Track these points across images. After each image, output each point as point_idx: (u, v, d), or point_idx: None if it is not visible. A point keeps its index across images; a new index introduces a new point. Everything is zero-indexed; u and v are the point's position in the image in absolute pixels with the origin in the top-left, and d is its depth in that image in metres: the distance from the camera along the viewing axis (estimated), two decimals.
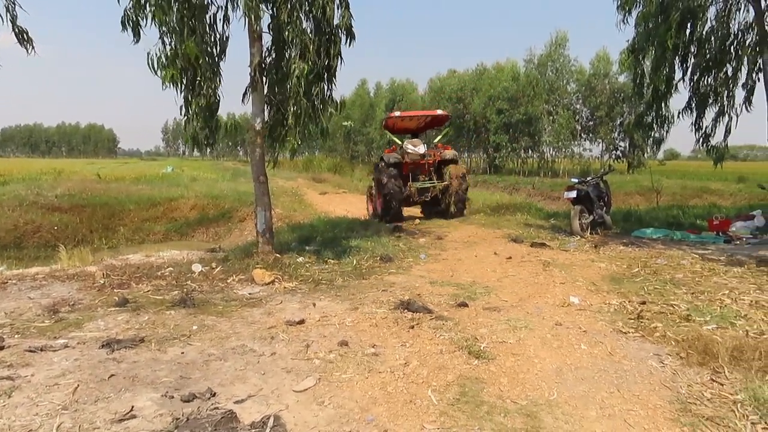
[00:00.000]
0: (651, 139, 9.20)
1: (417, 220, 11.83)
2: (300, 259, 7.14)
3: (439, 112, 13.05)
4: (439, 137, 14.16)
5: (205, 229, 16.37)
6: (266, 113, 7.12)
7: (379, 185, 12.20)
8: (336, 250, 7.75)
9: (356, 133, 55.80)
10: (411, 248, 8.36)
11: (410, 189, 12.23)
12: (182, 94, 6.44)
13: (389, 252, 7.80)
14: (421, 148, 12.56)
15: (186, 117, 6.58)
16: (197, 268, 6.59)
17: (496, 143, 40.82)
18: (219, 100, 6.66)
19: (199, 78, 6.32)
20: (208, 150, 7.42)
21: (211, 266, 6.72)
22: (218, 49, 6.59)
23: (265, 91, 7.04)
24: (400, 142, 12.70)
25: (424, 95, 54.16)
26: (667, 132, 9.05)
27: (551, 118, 38.42)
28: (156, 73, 6.11)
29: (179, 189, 20.08)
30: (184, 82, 6.30)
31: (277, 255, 7.05)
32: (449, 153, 12.80)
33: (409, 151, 12.40)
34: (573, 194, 9.54)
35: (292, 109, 6.35)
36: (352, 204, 18.28)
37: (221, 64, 6.66)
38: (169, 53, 6.07)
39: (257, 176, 7.10)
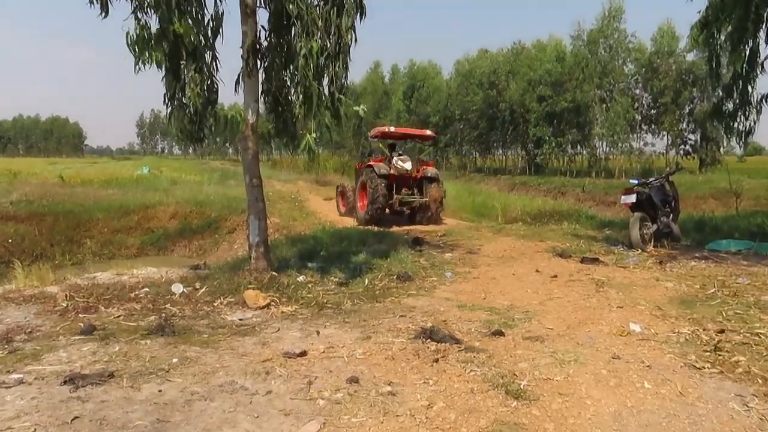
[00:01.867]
0: (732, 130, 9.05)
1: (441, 233, 11.99)
2: (301, 278, 7.17)
3: (428, 132, 16.89)
4: (425, 152, 18.96)
5: (188, 242, 16.58)
6: (262, 104, 7.21)
7: (364, 189, 15.46)
8: (344, 268, 7.77)
9: (368, 125, 56.08)
10: (435, 265, 8.39)
11: (395, 200, 15.26)
12: (169, 81, 6.57)
13: (408, 269, 7.83)
14: (409, 164, 15.55)
15: (172, 107, 6.69)
16: (178, 288, 6.64)
17: (537, 137, 40.84)
18: (217, 88, 6.85)
19: (192, 62, 6.45)
20: (192, 148, 7.60)
21: (194, 286, 6.77)
22: (213, 26, 6.71)
23: (261, 78, 7.12)
24: (389, 155, 15.72)
25: (449, 80, 54.50)
26: (755, 122, 8.91)
27: (604, 106, 38.22)
28: (136, 56, 6.22)
29: (157, 194, 20.35)
30: (172, 66, 6.45)
31: (274, 273, 7.08)
32: (432, 171, 15.89)
33: (398, 165, 15.36)
34: (632, 199, 9.46)
35: (299, 97, 6.43)
36: None
37: (217, 45, 6.83)
38: (154, 32, 6.18)
39: (250, 178, 7.17)
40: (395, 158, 15.63)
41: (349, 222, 15.16)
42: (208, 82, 6.80)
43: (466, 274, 7.85)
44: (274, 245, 10.47)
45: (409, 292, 6.77)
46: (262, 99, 7.34)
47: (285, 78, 7.20)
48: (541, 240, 10.63)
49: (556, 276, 7.47)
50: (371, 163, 15.91)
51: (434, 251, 9.59)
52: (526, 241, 10.61)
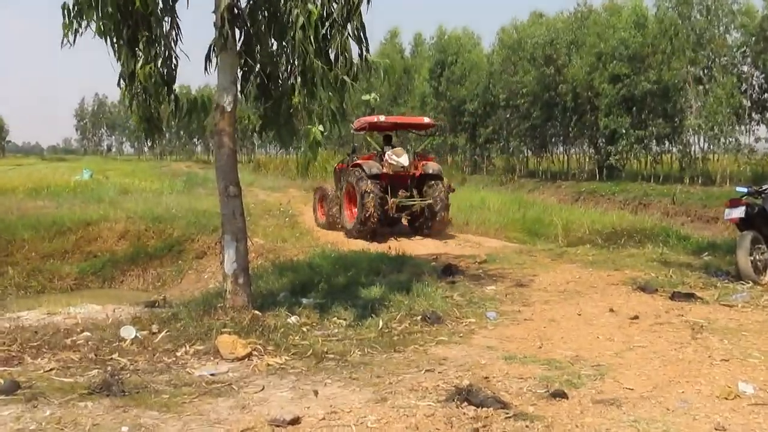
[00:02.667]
0: None
1: (480, 259, 12.04)
2: (293, 318, 7.18)
3: (426, 120, 17.84)
4: (423, 145, 19.94)
5: (142, 271, 16.79)
6: (240, 86, 7.29)
7: (351, 194, 16.39)
8: (351, 305, 7.80)
9: (382, 113, 56.28)
10: (473, 302, 8.40)
11: (390, 204, 16.04)
12: (126, 55, 6.66)
13: (437, 308, 7.84)
14: (405, 159, 16.35)
15: (131, 90, 6.82)
16: (129, 333, 6.68)
17: (611, 130, 40.62)
18: (177, 65, 6.96)
19: (144, 30, 6.53)
20: (148, 144, 7.76)
21: (150, 330, 6.81)
22: None
23: (241, 52, 7.19)
24: (379, 148, 16.36)
25: (491, 54, 54.62)
26: None
27: (701, 88, 38.00)
28: (69, 22, 6.31)
29: (101, 207, 20.58)
30: (127, 35, 6.58)
31: (257, 312, 7.09)
32: (433, 166, 16.62)
33: (392, 161, 16.09)
34: (740, 213, 9.39)
35: (297, 79, 6.50)
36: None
37: (180, 8, 6.93)
38: None
39: (225, 186, 7.23)
40: (388, 153, 16.44)
41: (358, 244, 15.22)
42: (165, 56, 6.87)
43: (515, 314, 7.85)
44: (257, 275, 10.46)
45: (438, 339, 6.78)
46: (242, 80, 7.41)
47: (275, 53, 7.25)
48: (617, 268, 10.60)
49: (637, 317, 7.43)
50: (359, 161, 16.69)
51: (472, 283, 9.60)
52: (596, 269, 10.60)
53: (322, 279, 9.54)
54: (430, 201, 16.25)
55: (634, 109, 40.25)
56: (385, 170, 16.12)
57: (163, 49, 6.87)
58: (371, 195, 15.54)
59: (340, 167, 18.74)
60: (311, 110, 6.77)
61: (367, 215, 15.61)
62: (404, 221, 17.53)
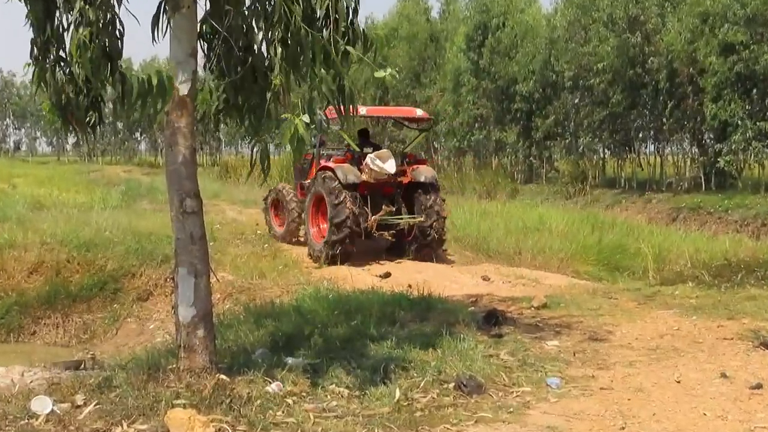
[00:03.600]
0: None
1: (538, 302, 12.00)
2: (274, 386, 7.16)
3: (418, 112, 19.02)
4: (411, 144, 21.16)
5: (63, 318, 16.78)
6: (205, 58, 7.32)
7: (320, 206, 17.60)
8: (355, 367, 7.80)
9: (400, 98, 56.54)
10: (527, 363, 8.40)
11: (370, 222, 17.20)
12: (38, 19, 6.69)
13: (477, 371, 7.81)
14: (391, 165, 17.18)
15: (43, 67, 6.82)
16: (43, 405, 6.66)
17: (721, 121, 40.31)
18: (123, 32, 7.01)
19: None
20: (72, 138, 7.78)
21: (73, 402, 6.80)
22: None
23: (202, 14, 7.23)
24: (358, 149, 17.51)
25: (552, 14, 54.68)
26: None
27: None
28: None
29: (5, 228, 20.54)
30: None
31: (223, 377, 7.07)
32: (426, 173, 17.34)
33: (375, 167, 16.83)
34: None
35: (278, 50, 6.51)
36: (393, 262, 18.64)
37: None
38: None
39: (180, 198, 7.21)
40: (370, 156, 17.35)
41: (365, 280, 15.25)
42: (106, 20, 6.88)
43: (588, 381, 7.82)
44: (224, 324, 10.45)
45: (478, 415, 6.76)
46: (206, 52, 7.43)
47: (248, 13, 7.26)
48: (731, 317, 10.50)
49: (760, 386, 7.37)
50: (330, 165, 17.66)
51: (526, 337, 9.58)
52: (702, 318, 10.52)
53: (316, 330, 9.54)
54: (422, 218, 17.09)
55: (754, 91, 40.03)
56: (365, 177, 16.86)
57: (102, 10, 6.81)
58: (347, 211, 16.30)
59: (303, 163, 19.50)
60: (294, 92, 6.77)
61: (340, 236, 16.64)
62: (387, 236, 18.31)
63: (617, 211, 37.70)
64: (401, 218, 17.10)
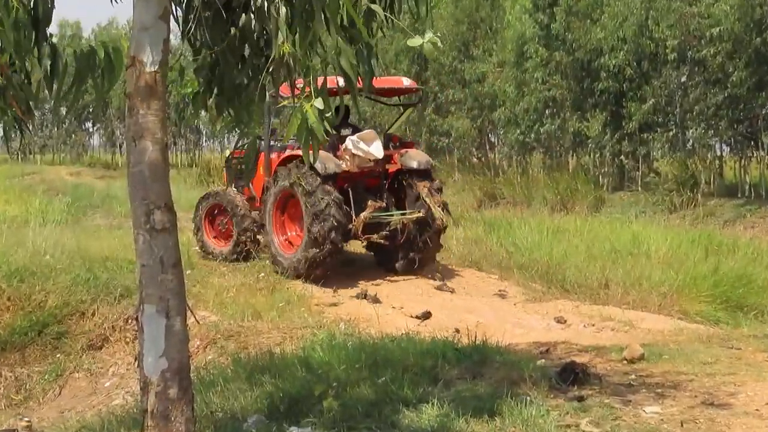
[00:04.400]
0: None
1: (633, 353, 11.95)
2: None
3: (406, 81, 19.83)
4: (397, 122, 21.80)
5: None
6: (181, 25, 7.34)
7: (286, 207, 18.73)
8: None
9: (443, 72, 56.39)
10: None
11: (357, 222, 18.09)
12: None
13: None
14: (377, 148, 18.31)
15: None
16: None
17: None
18: None
19: None
20: None
21: None
22: None
23: None
24: (333, 132, 17.10)
25: None
26: None
27: None
28: None
29: None
30: None
31: None
32: (418, 157, 18.33)
33: (359, 152, 17.73)
34: None
35: (280, 7, 6.54)
36: (434, 297, 18.74)
37: None
38: None
39: (146, 210, 7.21)
40: (351, 139, 18.47)
41: (395, 321, 15.25)
42: None
43: None
44: (205, 382, 10.47)
45: None
46: (184, 15, 7.47)
47: None
48: None
49: None
50: (294, 153, 18.56)
51: (615, 400, 9.53)
52: None
53: (330, 390, 9.44)
54: (420, 213, 17.84)
55: None
56: (346, 167, 17.59)
57: None
58: (330, 208, 17.01)
59: (237, 161, 20.41)
60: (306, 67, 6.76)
61: (322, 241, 17.43)
62: (377, 239, 19.26)
63: (740, 229, 37.13)
64: (392, 215, 17.94)
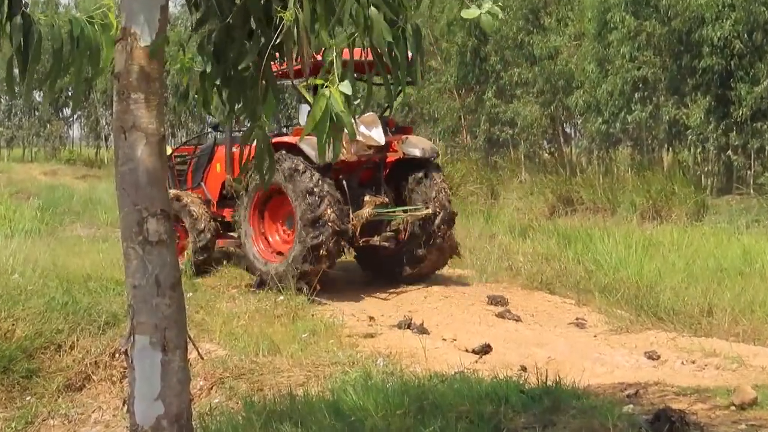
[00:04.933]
0: None
1: (744, 397, 11.89)
2: None
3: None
4: (394, 104, 21.18)
5: None
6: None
7: (260, 207, 19.27)
8: None
9: (506, 47, 56.32)
10: None
11: (354, 221, 18.83)
12: None
13: None
14: (379, 134, 19.01)
15: None
16: None
17: None
18: None
19: None
20: None
21: None
22: None
23: None
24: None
25: None
26: None
27: None
28: None
29: None
30: None
31: None
32: (421, 144, 19.07)
33: (360, 138, 18.68)
34: None
35: None
36: (495, 327, 18.72)
37: None
38: None
39: (138, 219, 7.22)
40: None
41: (446, 356, 15.37)
42: None
43: None
44: (209, 431, 10.48)
45: None
46: None
47: None
48: None
49: None
50: (287, 138, 19.40)
51: None
52: None
53: None
54: (429, 210, 18.43)
55: None
56: (344, 156, 17.92)
57: None
58: (328, 211, 17.64)
59: (181, 158, 21.96)
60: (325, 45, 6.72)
61: (318, 244, 18.21)
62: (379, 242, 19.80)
63: None
64: (396, 211, 18.68)
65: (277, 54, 7.06)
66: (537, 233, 29.73)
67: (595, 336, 17.94)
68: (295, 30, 6.49)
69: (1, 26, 6.91)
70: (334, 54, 6.55)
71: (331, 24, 6.57)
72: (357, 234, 18.21)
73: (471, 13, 6.69)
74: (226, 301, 19.24)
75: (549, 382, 12.44)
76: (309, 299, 19.99)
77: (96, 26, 7.15)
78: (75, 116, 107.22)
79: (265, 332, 17.15)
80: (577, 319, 19.71)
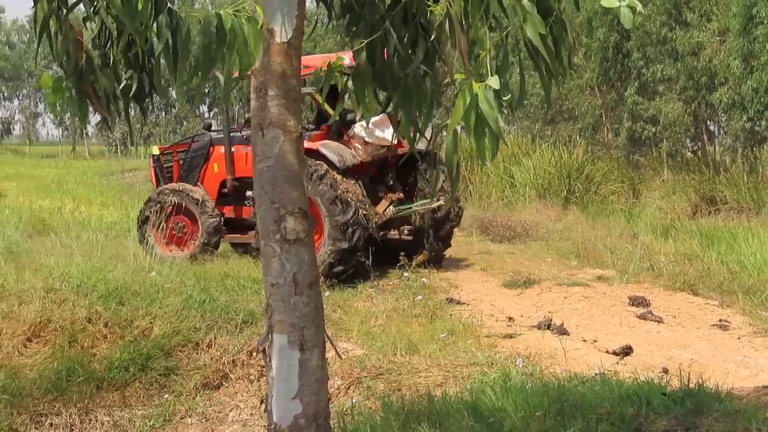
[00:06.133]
0: None
1: None
2: None
3: (346, 60, 20.14)
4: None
5: (81, 415, 15.95)
6: None
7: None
8: None
9: (648, 43, 55.86)
10: None
11: (374, 215, 19.93)
12: None
13: None
14: (390, 133, 18.76)
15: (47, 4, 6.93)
16: None
17: None
18: None
19: None
20: (92, 126, 7.75)
21: None
22: None
23: None
24: (333, 116, 20.18)
25: None
26: None
27: None
28: None
29: None
30: None
31: None
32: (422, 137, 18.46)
33: (372, 139, 19.57)
34: None
35: None
36: (636, 329, 18.60)
37: None
38: None
39: (276, 217, 7.20)
40: (361, 124, 19.93)
41: (584, 355, 15.31)
42: None
43: None
44: (347, 431, 10.45)
45: None
46: None
47: None
48: None
49: None
50: (309, 144, 20.03)
51: None
52: None
53: None
54: (441, 201, 19.46)
55: None
56: (361, 158, 19.21)
57: None
58: (355, 206, 18.70)
59: (167, 158, 22.89)
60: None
61: (351, 247, 19.47)
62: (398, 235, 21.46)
63: None
64: (412, 206, 19.58)
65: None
66: (679, 233, 29.53)
67: (738, 338, 17.73)
68: (447, 24, 6.48)
69: (149, 24, 6.96)
70: (488, 47, 6.50)
71: (481, 17, 6.52)
72: (375, 224, 19.30)
73: (610, 2, 6.58)
74: (364, 300, 19.23)
75: (691, 385, 12.33)
76: (447, 300, 20.04)
77: (242, 20, 7.11)
78: (211, 113, 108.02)
79: (403, 332, 17.11)
80: (720, 320, 19.42)
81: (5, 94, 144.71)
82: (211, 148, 23.94)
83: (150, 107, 7.14)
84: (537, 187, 43.64)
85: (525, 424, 10.14)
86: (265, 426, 7.39)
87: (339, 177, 18.68)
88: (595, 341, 16.97)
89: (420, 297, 19.83)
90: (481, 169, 45.57)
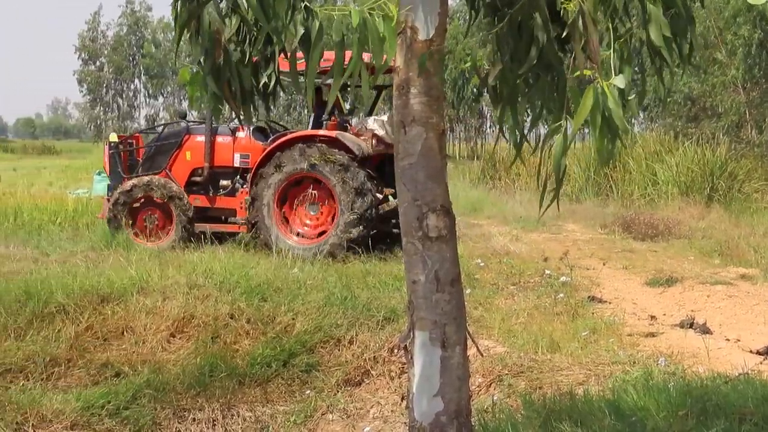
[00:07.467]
0: None
1: None
2: None
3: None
4: (375, 103, 26.90)
5: (223, 410, 15.94)
6: None
7: (282, 196, 22.05)
8: None
9: None
10: None
11: (384, 206, 22.06)
12: None
13: None
14: (388, 127, 21.21)
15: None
16: None
17: None
18: None
19: None
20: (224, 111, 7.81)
21: None
22: None
23: None
24: (332, 109, 22.02)
25: None
26: None
27: None
28: None
29: (132, 260, 21.21)
30: None
31: None
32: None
33: (380, 134, 21.24)
34: None
35: None
36: None
37: None
38: None
39: (418, 214, 7.16)
40: (375, 118, 21.75)
41: (727, 355, 15.24)
42: None
43: None
44: (488, 429, 10.48)
45: None
46: None
47: None
48: None
49: None
50: (324, 132, 22.15)
51: None
52: None
53: None
54: None
55: None
56: (371, 149, 20.61)
57: None
58: (370, 194, 20.25)
59: (128, 146, 24.28)
60: None
61: (362, 224, 21.22)
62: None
63: None
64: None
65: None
66: None
67: None
68: (581, 21, 6.45)
69: (284, 20, 6.98)
70: (614, 47, 6.49)
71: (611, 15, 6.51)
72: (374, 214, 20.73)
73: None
74: (505, 297, 19.19)
75: None
76: (589, 298, 19.94)
77: (376, 17, 7.06)
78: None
79: (545, 330, 17.03)
80: None
81: (150, 92, 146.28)
82: (186, 136, 24.96)
83: (274, 104, 7.13)
84: (680, 185, 43.57)
85: (667, 424, 10.10)
86: (406, 423, 7.46)
87: (356, 165, 20.18)
88: (739, 340, 16.80)
89: (561, 295, 19.75)
90: (623, 167, 45.41)
